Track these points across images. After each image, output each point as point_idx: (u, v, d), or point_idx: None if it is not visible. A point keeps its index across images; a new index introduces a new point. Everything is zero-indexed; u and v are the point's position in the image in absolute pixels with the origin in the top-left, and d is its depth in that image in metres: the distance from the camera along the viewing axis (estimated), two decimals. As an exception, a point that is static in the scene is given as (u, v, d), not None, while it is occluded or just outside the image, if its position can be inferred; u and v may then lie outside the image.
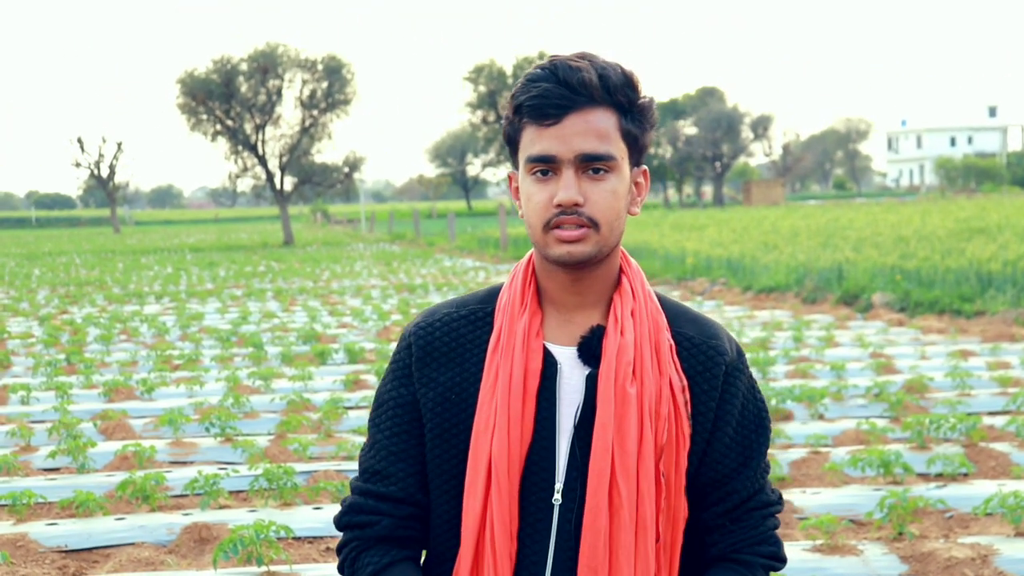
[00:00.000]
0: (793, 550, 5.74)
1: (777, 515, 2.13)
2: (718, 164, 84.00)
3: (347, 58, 52.11)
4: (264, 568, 5.63)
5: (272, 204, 64.36)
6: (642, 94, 1.97)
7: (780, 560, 2.10)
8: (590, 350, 1.97)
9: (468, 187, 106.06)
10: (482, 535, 1.95)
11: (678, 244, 28.60)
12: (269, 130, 52.12)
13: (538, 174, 1.95)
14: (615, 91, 1.92)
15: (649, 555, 1.94)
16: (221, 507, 7.02)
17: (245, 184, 54.56)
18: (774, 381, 10.78)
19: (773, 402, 9.30)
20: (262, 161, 51.97)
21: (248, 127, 51.64)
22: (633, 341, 1.95)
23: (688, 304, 2.06)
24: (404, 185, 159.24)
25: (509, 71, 71.78)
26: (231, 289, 25.04)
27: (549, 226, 1.93)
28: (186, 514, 6.75)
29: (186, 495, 7.29)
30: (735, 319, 16.66)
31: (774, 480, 7.24)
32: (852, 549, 5.72)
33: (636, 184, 2.01)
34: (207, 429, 8.99)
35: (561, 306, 2.01)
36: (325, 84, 52.14)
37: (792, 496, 6.82)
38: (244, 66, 51.33)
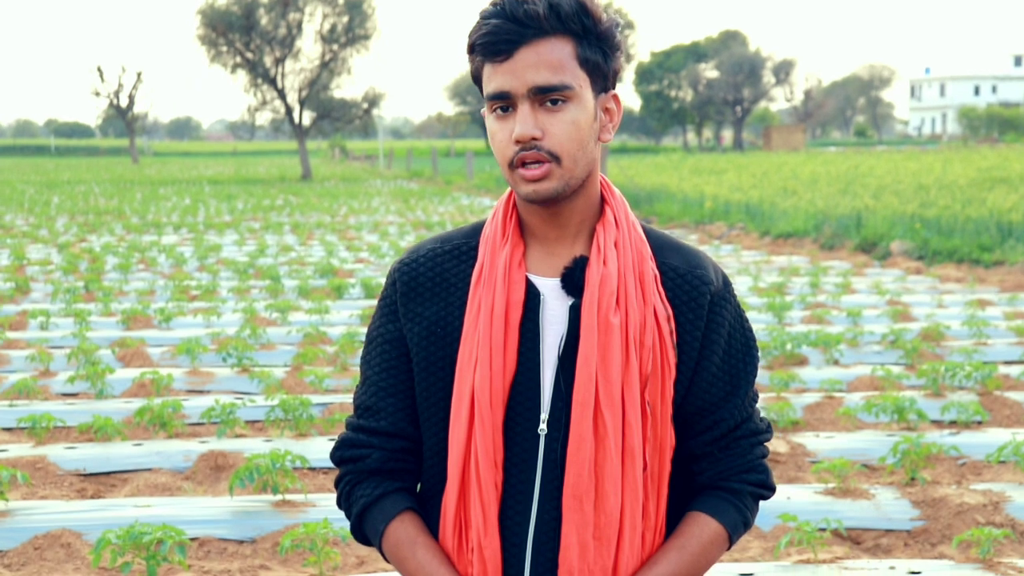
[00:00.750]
0: (805, 493, 5.77)
1: (766, 444, 2.12)
2: (739, 108, 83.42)
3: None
4: (279, 496, 5.69)
5: (290, 138, 64.23)
6: (601, 19, 1.94)
7: (769, 488, 2.11)
8: (573, 281, 1.97)
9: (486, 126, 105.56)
10: (467, 466, 1.97)
11: (697, 188, 28.49)
12: (289, 64, 51.92)
13: (498, 111, 1.94)
14: (567, 19, 1.90)
15: (637, 483, 1.95)
16: (237, 436, 7.07)
17: (264, 118, 54.42)
18: (790, 326, 10.78)
19: (788, 347, 9.30)
20: (281, 95, 51.81)
21: (268, 60, 51.42)
22: (616, 271, 1.95)
23: (677, 237, 2.03)
24: (423, 123, 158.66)
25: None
26: (249, 222, 25.07)
27: (513, 164, 1.92)
28: (202, 442, 6.81)
29: (202, 423, 7.35)
30: (752, 264, 16.63)
31: (788, 424, 7.27)
32: (864, 493, 5.74)
33: (606, 110, 1.98)
34: (224, 359, 9.05)
35: (543, 238, 2.01)
36: (346, 19, 51.82)
37: (805, 440, 6.84)
38: (265, -2, 50.99)
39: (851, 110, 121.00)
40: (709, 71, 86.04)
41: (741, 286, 13.94)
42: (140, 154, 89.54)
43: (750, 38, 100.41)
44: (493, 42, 1.90)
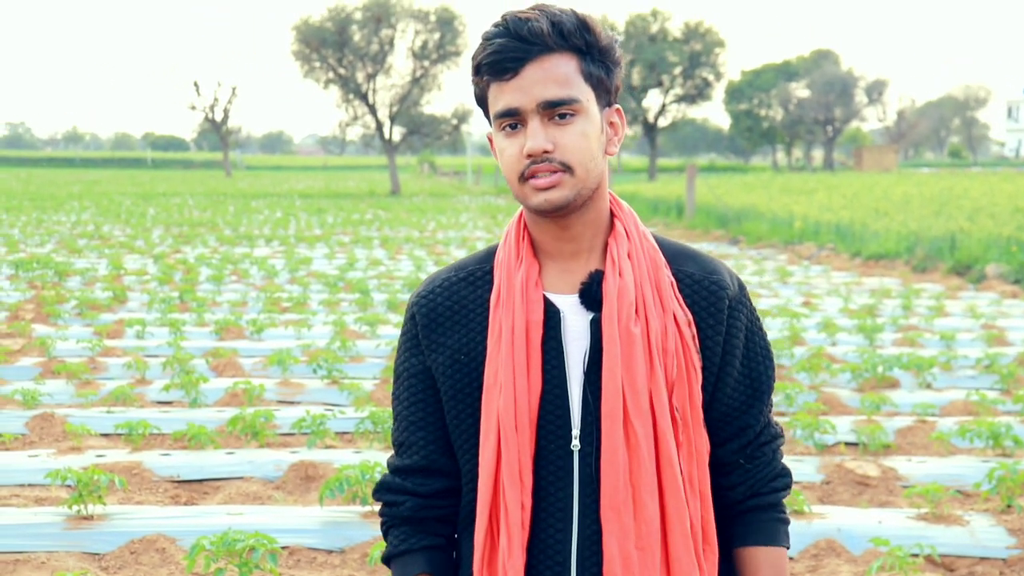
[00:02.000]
0: (897, 517, 5.69)
1: (781, 447, 2.13)
2: (829, 128, 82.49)
3: (459, 9, 52.08)
4: (368, 507, 5.74)
5: (380, 153, 64.83)
6: (601, 36, 1.97)
7: (791, 487, 2.15)
8: (591, 295, 1.98)
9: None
10: (496, 490, 1.98)
11: (786, 208, 28.22)
12: (380, 79, 52.46)
13: (507, 129, 1.96)
14: (570, 35, 1.93)
15: (677, 490, 1.95)
16: (327, 447, 7.16)
17: (354, 133, 55.03)
18: (881, 348, 10.63)
19: (880, 369, 9.18)
20: (372, 110, 52.35)
21: (360, 76, 52.02)
22: (633, 281, 1.97)
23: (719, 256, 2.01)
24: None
25: (621, 27, 71.17)
26: (338, 235, 25.35)
27: (524, 177, 1.95)
28: (293, 452, 6.90)
29: (293, 434, 7.45)
30: (842, 285, 16.43)
31: (879, 447, 7.18)
32: (958, 519, 5.65)
33: (611, 124, 2.01)
34: (314, 371, 9.16)
35: (557, 256, 2.02)
36: (437, 35, 52.24)
37: (897, 464, 6.75)
38: (358, 15, 51.64)
39: (945, 131, 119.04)
40: (800, 90, 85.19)
41: (831, 307, 13.78)
42: (233, 167, 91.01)
43: (842, 57, 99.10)
44: (499, 60, 1.93)
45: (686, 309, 2.00)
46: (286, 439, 7.45)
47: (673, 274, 2.02)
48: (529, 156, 1.93)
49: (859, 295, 15.20)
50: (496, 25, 1.96)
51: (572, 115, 1.93)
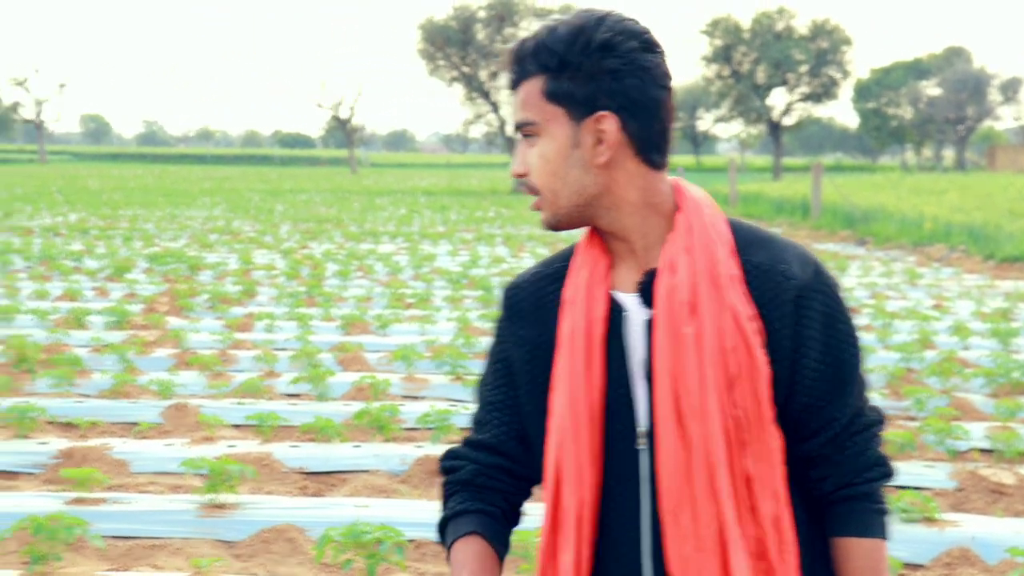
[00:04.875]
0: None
1: (881, 434, 2.04)
2: (961, 127, 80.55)
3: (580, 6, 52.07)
4: (493, 503, 5.77)
5: (503, 151, 65.17)
6: (571, 48, 1.92)
7: (891, 475, 2.05)
8: (649, 294, 1.96)
9: (698, 142, 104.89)
10: (557, 486, 1.98)
11: (915, 208, 27.61)
12: (503, 78, 52.73)
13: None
14: (539, 55, 1.94)
15: (739, 493, 1.91)
16: (451, 442, 7.22)
17: (477, 131, 55.40)
18: (1016, 354, 10.34)
19: (1015, 375, 8.93)
20: (495, 108, 52.63)
21: (483, 74, 52.35)
22: (688, 279, 1.92)
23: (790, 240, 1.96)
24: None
25: (747, 24, 70.39)
26: (462, 232, 25.54)
27: None
28: (418, 446, 6.97)
29: (418, 428, 7.53)
30: (974, 288, 16.02)
31: (1015, 454, 6.98)
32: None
33: (597, 131, 1.95)
34: (438, 366, 9.24)
35: (623, 254, 2.01)
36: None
37: (1033, 472, 6.55)
38: (482, 14, 51.97)
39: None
40: (931, 88, 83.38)
41: (963, 310, 13.45)
42: (358, 165, 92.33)
43: (975, 55, 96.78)
44: (507, 83, 2.02)
45: (750, 303, 1.94)
46: (411, 433, 7.53)
47: (741, 265, 1.97)
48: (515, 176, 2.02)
49: (992, 298, 14.80)
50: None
51: (535, 136, 1.96)
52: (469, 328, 11.38)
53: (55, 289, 14.29)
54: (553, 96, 1.94)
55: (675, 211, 2.00)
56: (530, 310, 2.07)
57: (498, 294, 2.00)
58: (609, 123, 1.94)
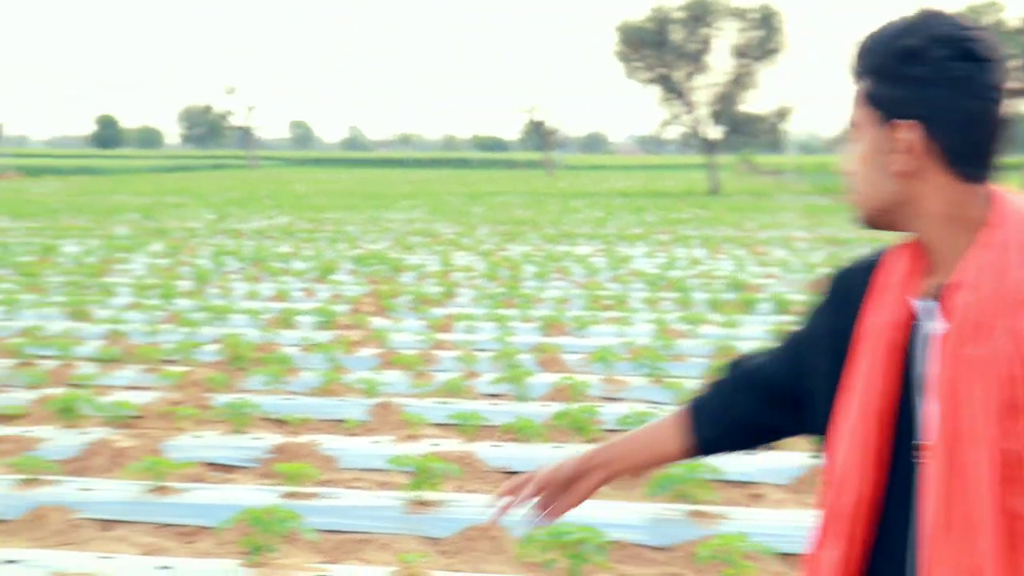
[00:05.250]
0: None
1: None
2: None
3: (778, 6, 51.28)
4: (694, 506, 5.75)
5: (698, 152, 64.67)
6: (891, 51, 1.86)
7: None
8: (943, 306, 1.88)
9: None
10: (840, 485, 1.95)
11: None
12: (699, 78, 52.29)
13: None
14: (864, 55, 1.92)
15: (1001, 531, 1.80)
16: (651, 444, 7.20)
17: (673, 132, 55.08)
18: None
19: None
20: (690, 109, 52.26)
21: (678, 75, 52.05)
22: (985, 298, 1.82)
23: None
24: (835, 136, 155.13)
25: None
26: (658, 234, 25.43)
27: None
28: (618, 448, 6.98)
29: (618, 430, 7.54)
30: None
31: None
32: None
33: (894, 140, 1.87)
34: (637, 368, 9.24)
35: (932, 264, 1.94)
36: (757, 33, 51.58)
37: None
38: (678, 14, 51.67)
39: None
40: None
41: None
42: (553, 167, 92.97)
43: None
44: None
45: None
46: (610, 435, 7.55)
47: None
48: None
49: None
50: None
51: (856, 136, 1.95)
52: (667, 330, 11.33)
53: (266, 290, 14.85)
54: (868, 99, 1.94)
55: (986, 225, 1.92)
56: (843, 297, 2.06)
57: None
58: (907, 132, 1.88)
